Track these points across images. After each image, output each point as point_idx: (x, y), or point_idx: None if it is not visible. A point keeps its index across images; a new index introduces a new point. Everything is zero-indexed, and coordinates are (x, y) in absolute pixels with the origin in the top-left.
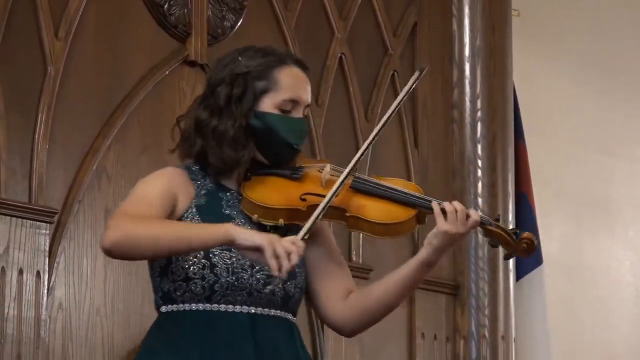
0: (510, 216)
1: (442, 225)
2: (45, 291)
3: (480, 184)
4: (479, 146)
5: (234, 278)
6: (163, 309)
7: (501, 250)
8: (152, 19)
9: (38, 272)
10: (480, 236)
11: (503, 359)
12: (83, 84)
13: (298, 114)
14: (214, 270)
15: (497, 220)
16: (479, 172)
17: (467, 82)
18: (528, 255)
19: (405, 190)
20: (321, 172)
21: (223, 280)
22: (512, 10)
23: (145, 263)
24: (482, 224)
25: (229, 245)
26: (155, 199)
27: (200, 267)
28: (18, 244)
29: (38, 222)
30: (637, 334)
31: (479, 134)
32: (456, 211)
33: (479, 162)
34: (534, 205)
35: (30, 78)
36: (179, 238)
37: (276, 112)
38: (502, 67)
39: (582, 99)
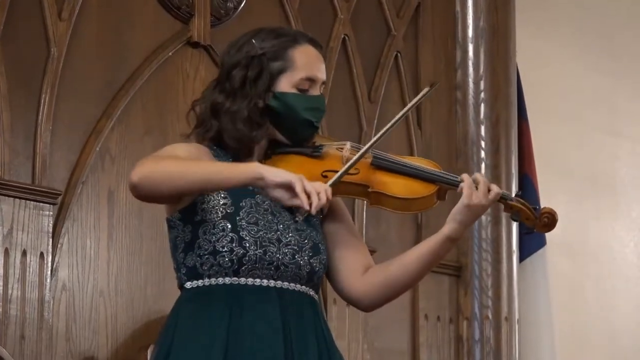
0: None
1: (465, 198)
2: (49, 272)
3: (483, 165)
4: (482, 127)
5: (262, 251)
6: (188, 285)
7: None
8: (156, 0)
9: (41, 253)
10: (487, 218)
11: (506, 340)
12: (86, 65)
13: (315, 91)
14: (242, 243)
15: (519, 195)
16: (482, 153)
17: (470, 63)
18: (548, 230)
19: (426, 167)
20: (341, 150)
21: (251, 253)
22: None
23: (150, 243)
24: (503, 198)
25: (257, 182)
26: (183, 158)
27: (229, 240)
28: (21, 225)
29: (41, 204)
30: None
31: (482, 115)
32: (478, 183)
33: (482, 143)
34: (537, 186)
35: (33, 59)
36: (209, 173)
37: (294, 91)
38: (505, 48)
39: (585, 78)
